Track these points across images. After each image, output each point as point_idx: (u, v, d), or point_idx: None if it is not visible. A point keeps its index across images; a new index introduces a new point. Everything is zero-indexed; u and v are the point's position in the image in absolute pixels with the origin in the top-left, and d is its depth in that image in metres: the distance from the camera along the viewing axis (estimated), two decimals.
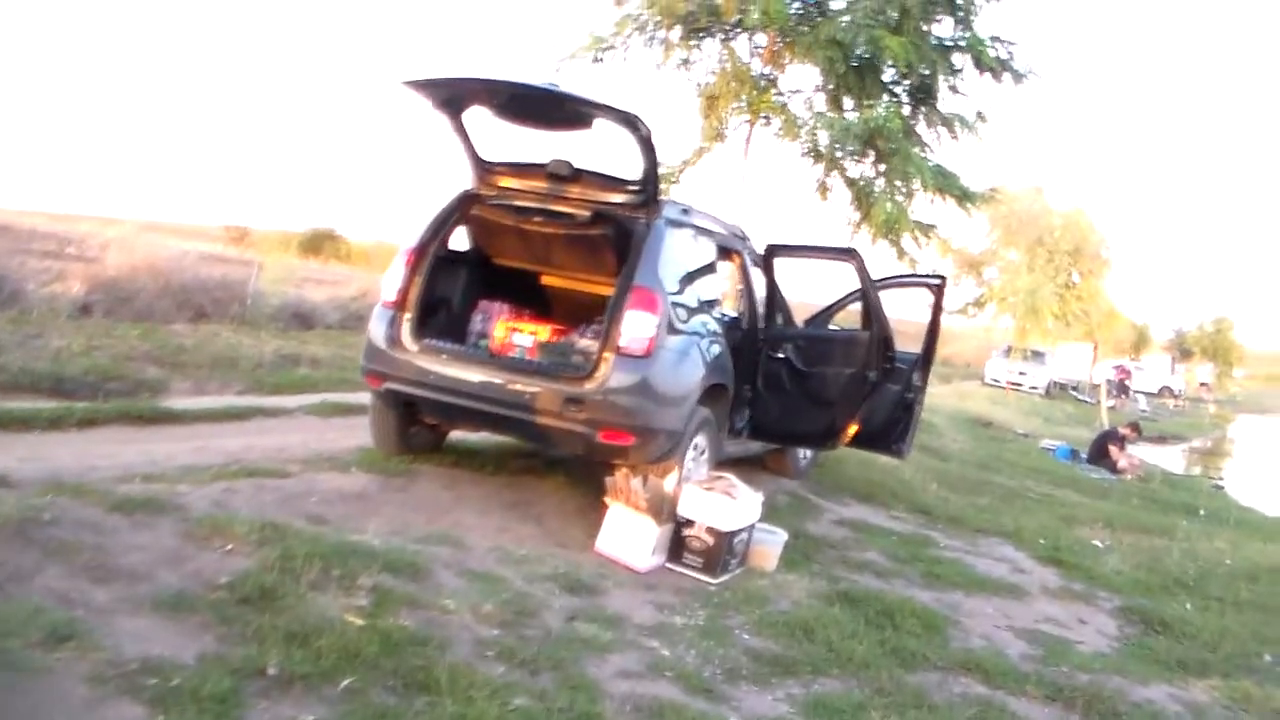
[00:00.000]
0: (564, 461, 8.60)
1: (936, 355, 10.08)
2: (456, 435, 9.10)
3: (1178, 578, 10.38)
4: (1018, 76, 15.18)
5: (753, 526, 7.48)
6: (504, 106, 7.79)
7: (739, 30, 15.47)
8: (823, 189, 15.38)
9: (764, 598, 6.90)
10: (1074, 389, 43.23)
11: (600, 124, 7.55)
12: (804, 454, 11.08)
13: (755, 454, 10.25)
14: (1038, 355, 40.50)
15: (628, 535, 7.08)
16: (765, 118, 15.37)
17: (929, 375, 9.95)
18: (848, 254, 9.15)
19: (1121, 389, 46.05)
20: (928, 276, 10.44)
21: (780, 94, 15.48)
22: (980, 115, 15.36)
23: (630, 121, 7.21)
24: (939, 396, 29.18)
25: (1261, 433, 47.67)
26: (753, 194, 19.92)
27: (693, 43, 15.81)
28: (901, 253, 14.99)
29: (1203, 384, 64.11)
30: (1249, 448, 38.85)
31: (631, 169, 7.75)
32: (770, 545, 7.64)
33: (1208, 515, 15.81)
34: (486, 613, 5.58)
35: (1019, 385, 38.73)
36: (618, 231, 7.84)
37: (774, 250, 9.45)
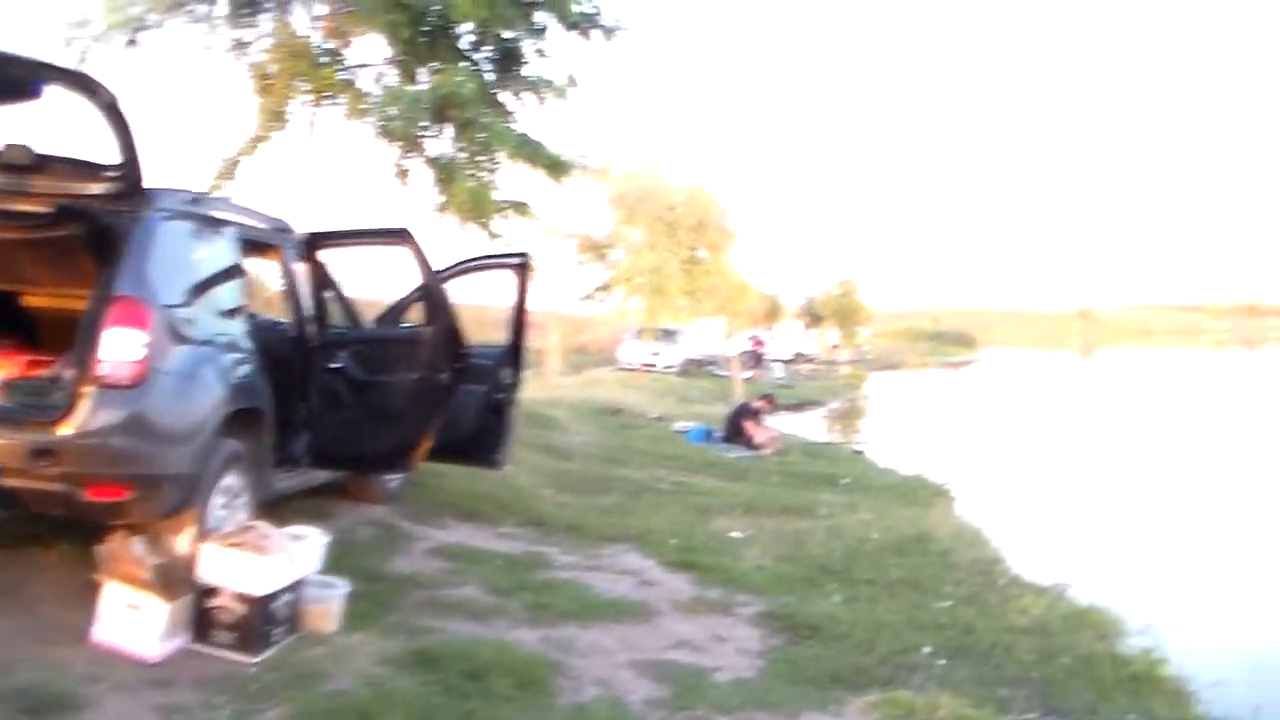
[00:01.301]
0: (77, 523, 6.99)
1: (526, 345, 9.01)
2: None
3: (824, 563, 9.91)
4: (608, 33, 14.30)
5: (301, 582, 6.16)
6: None
7: (295, 1, 13.97)
8: (401, 172, 14.08)
9: (318, 674, 5.62)
10: (710, 365, 43.68)
11: (56, 94, 6.09)
12: None
13: (326, 483, 8.86)
14: (670, 334, 40.59)
15: (131, 618, 5.64)
16: (331, 97, 13.92)
17: (521, 369, 8.92)
18: (399, 236, 7.91)
19: (757, 359, 47.01)
20: (507, 256, 9.39)
21: (346, 70, 14.06)
22: (571, 80, 14.41)
23: (83, 84, 5.82)
24: (566, 388, 28.59)
25: (893, 388, 49.93)
26: (330, 185, 18.40)
27: (244, 18, 14.16)
28: (493, 235, 13.86)
29: (834, 346, 66.75)
30: (883, 404, 40.43)
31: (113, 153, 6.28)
32: (328, 602, 6.35)
33: (850, 484, 15.70)
34: None
35: (653, 366, 38.93)
36: (93, 230, 6.33)
37: (317, 241, 8.17)
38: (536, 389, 25.98)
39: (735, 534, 11.06)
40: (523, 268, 8.84)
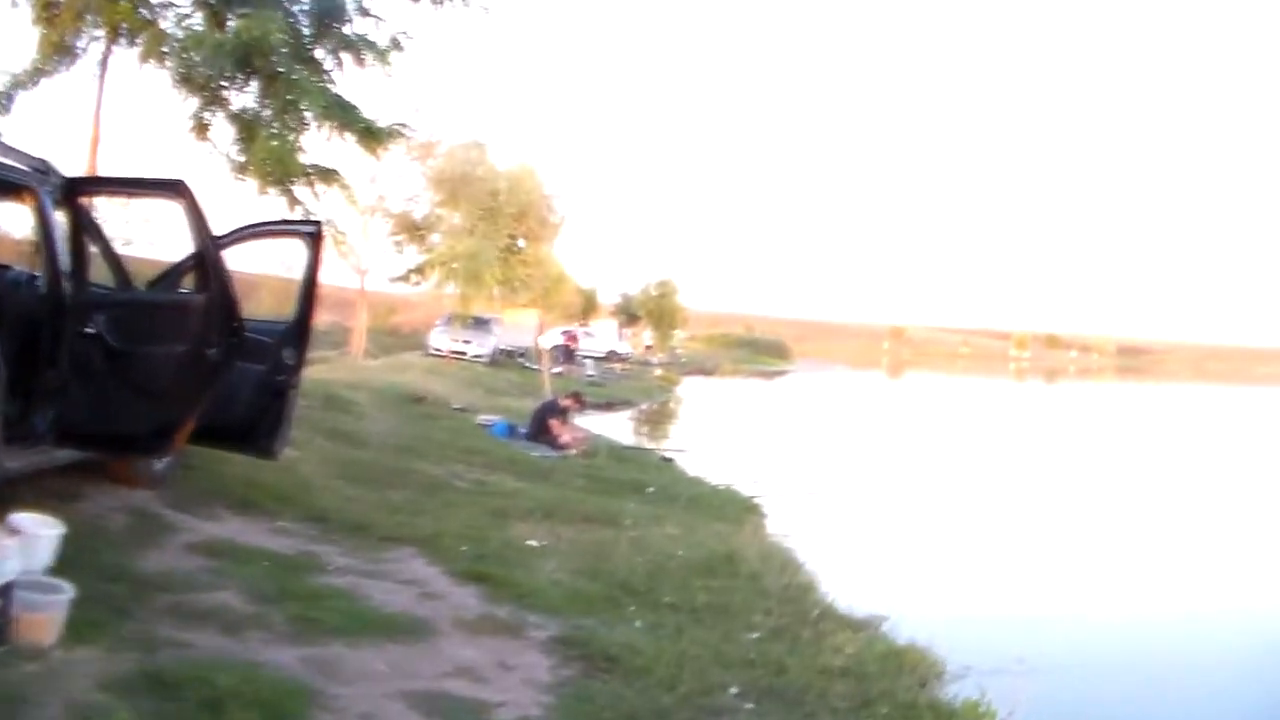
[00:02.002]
0: None
1: (313, 323, 8.16)
2: None
3: (625, 581, 9.17)
4: None
5: (12, 585, 5.21)
6: None
7: None
8: (200, 126, 12.96)
9: (19, 700, 4.66)
10: (521, 356, 43.11)
11: None
12: None
13: (80, 461, 7.84)
14: (483, 323, 40.01)
15: None
16: (127, 36, 12.74)
17: (306, 350, 8.06)
18: (172, 188, 7.01)
19: (568, 355, 46.56)
20: (299, 223, 8.54)
21: (147, 7, 12.88)
22: (395, 42, 13.48)
23: None
24: (371, 371, 27.66)
25: (706, 394, 49.88)
26: (124, 132, 17.17)
27: None
28: (295, 202, 12.84)
29: (647, 347, 66.79)
30: (695, 410, 40.23)
31: None
32: (45, 610, 5.39)
33: (657, 492, 15.15)
34: None
35: (462, 354, 38.09)
36: None
37: (79, 187, 7.20)
38: (339, 370, 24.98)
39: (532, 542, 10.32)
40: (316, 237, 8.02)
